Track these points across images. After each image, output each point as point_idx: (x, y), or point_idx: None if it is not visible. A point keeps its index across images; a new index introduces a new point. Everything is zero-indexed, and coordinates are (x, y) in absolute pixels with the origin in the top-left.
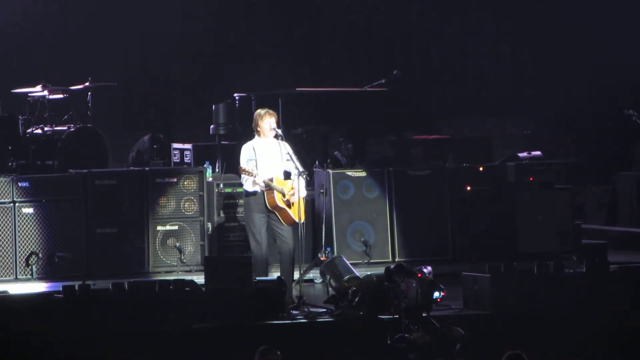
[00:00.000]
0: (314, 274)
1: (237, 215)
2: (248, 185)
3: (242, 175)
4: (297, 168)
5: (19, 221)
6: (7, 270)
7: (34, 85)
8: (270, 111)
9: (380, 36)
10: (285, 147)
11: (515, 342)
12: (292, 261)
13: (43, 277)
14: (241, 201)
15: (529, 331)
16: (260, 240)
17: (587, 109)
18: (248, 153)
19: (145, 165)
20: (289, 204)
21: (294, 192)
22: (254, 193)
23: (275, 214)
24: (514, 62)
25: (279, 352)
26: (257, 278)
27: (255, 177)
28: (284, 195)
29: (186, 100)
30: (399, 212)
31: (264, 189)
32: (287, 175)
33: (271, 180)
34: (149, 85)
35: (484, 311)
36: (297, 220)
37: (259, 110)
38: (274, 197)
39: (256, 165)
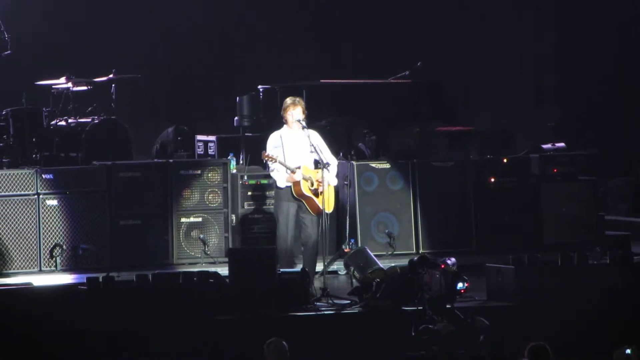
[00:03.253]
0: (338, 266)
1: (261, 207)
2: (281, 182)
3: (272, 168)
4: (321, 160)
5: (43, 213)
6: (32, 262)
7: (58, 77)
8: (297, 101)
9: (404, 27)
10: (312, 138)
11: (538, 333)
12: (314, 252)
13: (67, 268)
14: (266, 193)
15: (553, 323)
16: (285, 229)
17: (610, 100)
18: (274, 141)
19: (169, 157)
20: (316, 193)
21: (323, 181)
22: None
23: (303, 202)
24: (537, 52)
25: (284, 343)
26: (281, 270)
27: (292, 171)
28: (312, 184)
29: (210, 92)
30: (422, 204)
31: (290, 170)
32: (317, 165)
33: (299, 168)
34: (173, 77)
35: (507, 303)
36: (324, 209)
37: (286, 100)
38: (299, 185)
39: (283, 154)
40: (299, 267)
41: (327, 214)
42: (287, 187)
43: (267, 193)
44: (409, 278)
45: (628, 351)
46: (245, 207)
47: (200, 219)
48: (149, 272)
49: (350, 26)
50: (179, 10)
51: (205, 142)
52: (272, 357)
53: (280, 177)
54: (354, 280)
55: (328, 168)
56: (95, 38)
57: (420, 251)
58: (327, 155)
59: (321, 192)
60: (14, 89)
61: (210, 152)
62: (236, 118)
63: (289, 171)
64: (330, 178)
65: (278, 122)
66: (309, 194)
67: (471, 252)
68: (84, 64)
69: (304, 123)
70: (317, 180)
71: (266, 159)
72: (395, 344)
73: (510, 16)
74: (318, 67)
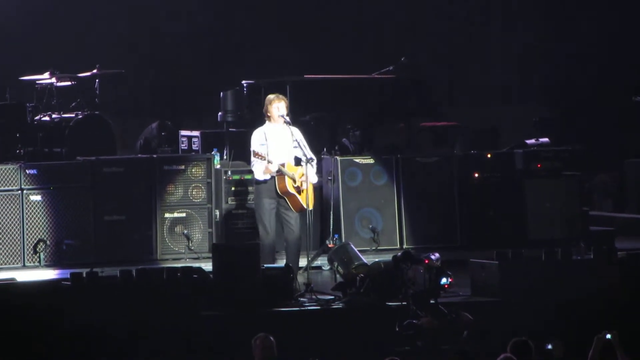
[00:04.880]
0: (322, 261)
1: (245, 202)
2: (259, 173)
3: (253, 163)
4: (305, 155)
5: (26, 208)
6: (15, 258)
7: (41, 73)
8: (280, 96)
9: (389, 22)
10: (295, 134)
11: (522, 329)
12: (298, 249)
13: (51, 264)
14: (249, 188)
15: (537, 318)
16: (268, 226)
17: (595, 96)
18: (259, 138)
19: (153, 153)
20: (299, 190)
21: (304, 178)
22: (265, 181)
23: (284, 199)
24: (522, 48)
25: (272, 338)
26: (265, 265)
27: (268, 161)
28: (294, 181)
29: (194, 87)
30: (406, 199)
31: (274, 174)
32: (297, 162)
33: (283, 165)
34: (157, 72)
35: (491, 298)
36: (305, 206)
37: (269, 95)
38: (285, 182)
39: (267, 151)
40: (281, 263)
41: (309, 211)
42: (267, 182)
43: (251, 188)
44: (393, 273)
45: (608, 336)
46: (229, 202)
47: (184, 215)
48: (133, 267)
49: (335, 21)
50: (163, 6)
51: (189, 138)
52: (259, 351)
53: (259, 171)
54: (337, 276)
55: (312, 163)
56: (79, 33)
57: (404, 246)
58: (308, 152)
59: (303, 190)
60: None
61: (194, 147)
62: (220, 113)
63: (266, 163)
64: (311, 175)
65: (262, 117)
66: (292, 191)
67: (455, 247)
68: (68, 59)
69: (287, 118)
70: (299, 177)
71: (257, 157)
72: (379, 339)
73: (494, 12)
74: (302, 62)
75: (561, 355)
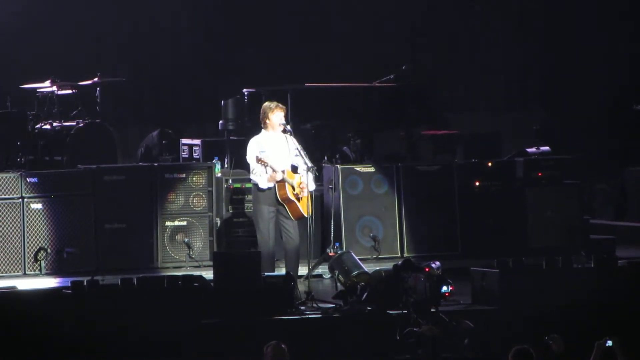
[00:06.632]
0: (323, 270)
1: (246, 210)
2: (262, 182)
3: (254, 171)
4: (306, 163)
5: (27, 217)
6: (16, 266)
7: (42, 81)
8: (280, 105)
9: (390, 30)
10: (294, 142)
11: (523, 337)
12: (297, 257)
13: (52, 272)
14: (250, 196)
15: (537, 326)
16: (267, 233)
17: (595, 104)
18: (257, 146)
19: (154, 161)
20: (298, 198)
21: (303, 186)
22: (267, 188)
23: (284, 207)
24: (522, 56)
25: (283, 346)
26: (266, 273)
27: (273, 169)
28: (293, 188)
29: (195, 95)
30: (407, 208)
31: (276, 181)
32: (294, 169)
33: (284, 172)
34: (158, 80)
35: (492, 306)
36: (305, 214)
37: (268, 103)
38: (285, 189)
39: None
40: (281, 271)
41: (309, 218)
42: (268, 190)
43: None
44: (394, 282)
45: (609, 343)
46: (230, 210)
47: (185, 223)
48: (134, 275)
49: (336, 29)
50: (163, 14)
51: (190, 146)
52: (270, 359)
53: (262, 179)
54: (338, 284)
55: (313, 171)
56: (80, 41)
57: (405, 255)
58: (308, 161)
59: (302, 197)
60: None
61: (195, 155)
62: (221, 122)
63: (270, 171)
64: (310, 182)
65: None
66: (293, 198)
67: (456, 255)
68: (69, 68)
69: (288, 127)
70: (298, 185)
71: (261, 163)
72: (380, 348)
73: (495, 19)
74: (303, 71)
75: (561, 349)
